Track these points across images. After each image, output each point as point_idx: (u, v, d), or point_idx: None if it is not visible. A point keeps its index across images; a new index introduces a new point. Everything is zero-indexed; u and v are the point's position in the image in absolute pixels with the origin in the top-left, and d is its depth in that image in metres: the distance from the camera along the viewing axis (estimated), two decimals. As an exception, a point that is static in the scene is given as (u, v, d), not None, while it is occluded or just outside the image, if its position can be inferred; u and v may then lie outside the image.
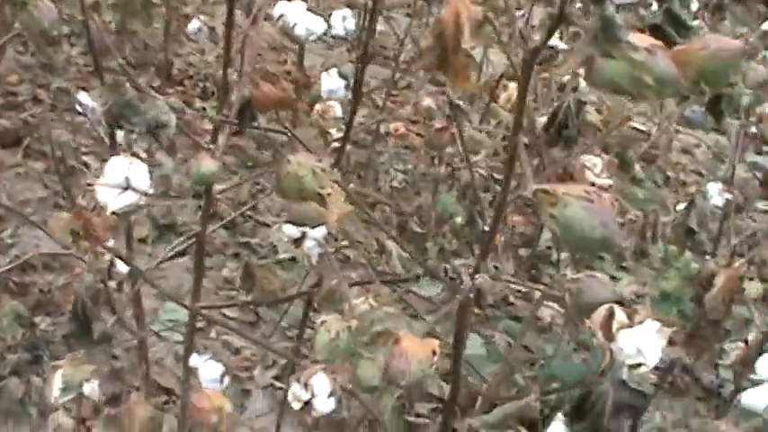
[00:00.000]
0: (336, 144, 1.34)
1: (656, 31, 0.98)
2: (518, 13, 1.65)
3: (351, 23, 1.89)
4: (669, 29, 0.99)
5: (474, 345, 1.65)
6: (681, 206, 1.39)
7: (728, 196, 1.42)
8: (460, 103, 1.00)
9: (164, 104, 1.13)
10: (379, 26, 2.32)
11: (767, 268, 1.42)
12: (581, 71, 0.90)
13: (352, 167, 2.04)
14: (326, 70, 1.78)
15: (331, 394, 0.80)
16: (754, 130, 1.62)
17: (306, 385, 0.80)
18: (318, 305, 1.13)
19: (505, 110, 1.20)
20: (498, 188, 0.98)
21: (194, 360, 1.19)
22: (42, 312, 1.72)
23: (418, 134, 1.80)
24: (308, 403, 0.81)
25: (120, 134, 1.19)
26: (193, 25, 2.12)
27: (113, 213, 0.83)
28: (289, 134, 0.91)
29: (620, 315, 0.68)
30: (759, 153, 2.24)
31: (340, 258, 1.53)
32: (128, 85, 0.91)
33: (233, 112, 0.82)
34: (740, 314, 1.48)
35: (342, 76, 1.70)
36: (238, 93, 0.79)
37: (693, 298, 1.21)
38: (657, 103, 1.78)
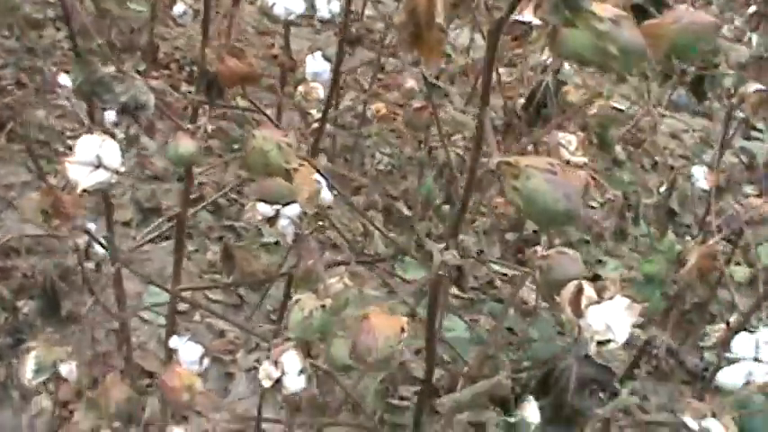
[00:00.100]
0: (317, 125, 1.33)
1: (638, 10, 0.98)
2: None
3: (336, 6, 1.88)
4: (651, 8, 0.98)
5: (459, 328, 1.65)
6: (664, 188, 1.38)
7: (713, 179, 1.42)
8: (438, 82, 0.99)
9: (143, 85, 1.12)
10: (368, 11, 2.31)
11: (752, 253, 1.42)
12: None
13: (338, 151, 2.03)
14: (312, 53, 1.77)
15: (301, 372, 0.80)
16: (741, 114, 1.62)
17: (276, 363, 0.80)
18: (295, 285, 1.12)
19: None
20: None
21: (174, 342, 1.18)
22: (25, 296, 1.71)
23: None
24: (278, 381, 0.80)
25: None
26: (178, 8, 2.10)
27: (84, 191, 0.82)
28: (258, 111, 0.90)
29: (589, 291, 0.68)
30: (747, 138, 2.24)
31: (321, 240, 1.52)
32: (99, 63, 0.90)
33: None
34: (726, 299, 1.48)
35: (326, 59, 1.69)
36: (208, 69, 0.78)
37: (675, 280, 1.21)
38: (644, 86, 1.78)
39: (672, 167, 2.53)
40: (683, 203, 1.31)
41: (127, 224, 1.86)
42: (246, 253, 1.28)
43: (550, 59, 1.20)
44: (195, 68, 2.50)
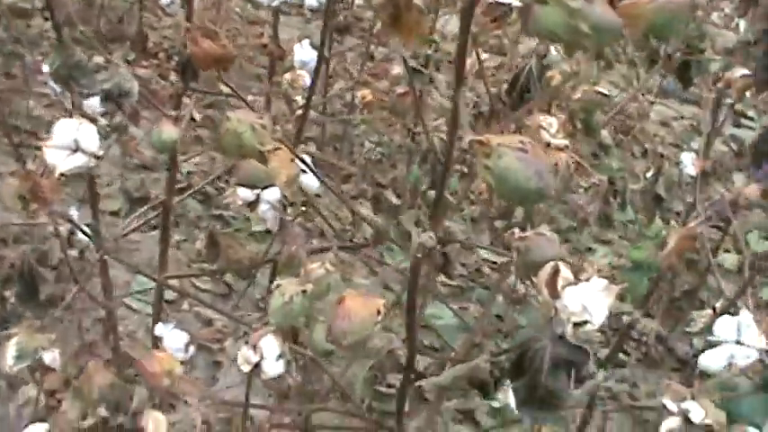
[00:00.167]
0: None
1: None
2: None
3: (324, -6, 1.87)
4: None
5: (447, 316, 1.65)
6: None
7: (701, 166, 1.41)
8: (421, 68, 0.98)
9: (126, 72, 1.12)
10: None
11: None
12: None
13: (328, 140, 2.03)
14: (300, 42, 1.77)
15: (280, 356, 0.79)
16: (730, 101, 1.62)
17: (255, 347, 0.80)
18: (278, 272, 1.12)
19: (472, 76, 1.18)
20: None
21: (159, 329, 1.18)
22: (13, 286, 1.71)
23: (392, 105, 1.78)
24: (257, 366, 0.80)
25: (86, 103, 1.18)
26: (166, -3, 2.10)
27: (62, 175, 0.82)
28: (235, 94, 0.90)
29: (566, 272, 0.68)
30: (738, 126, 2.23)
31: (309, 228, 1.52)
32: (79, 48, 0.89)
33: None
34: (716, 286, 1.47)
35: (315, 47, 1.69)
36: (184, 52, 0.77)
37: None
38: (633, 73, 1.77)
39: (662, 155, 2.53)
40: (670, 189, 1.31)
41: (115, 214, 1.85)
42: (232, 240, 1.28)
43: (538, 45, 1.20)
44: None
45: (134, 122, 1.19)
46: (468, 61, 1.22)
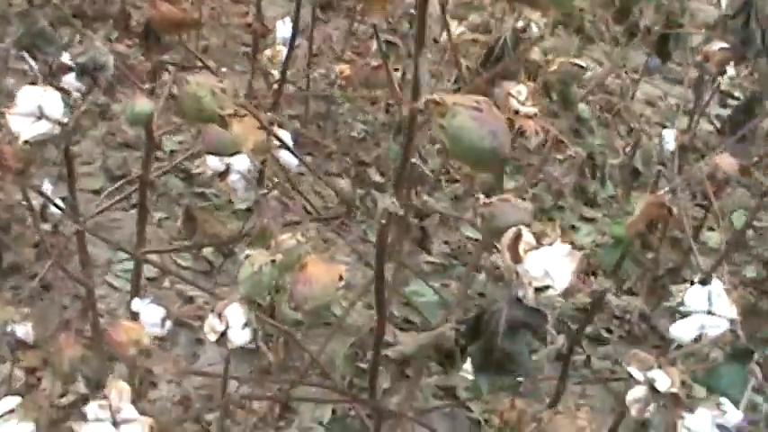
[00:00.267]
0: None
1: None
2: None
3: (307, -28, 1.86)
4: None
5: (429, 293, 1.65)
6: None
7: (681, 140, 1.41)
8: (391, 38, 0.97)
9: (102, 47, 1.10)
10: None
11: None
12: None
13: (311, 118, 2.02)
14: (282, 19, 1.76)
15: (246, 325, 0.79)
16: (719, 80, 1.61)
17: (220, 316, 0.79)
18: (251, 244, 1.11)
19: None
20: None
21: (136, 304, 1.17)
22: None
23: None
24: (223, 335, 0.80)
25: (64, 79, 1.17)
26: (149, -25, 2.08)
27: (26, 143, 0.81)
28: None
29: (528, 237, 0.67)
30: (724, 106, 2.23)
31: (287, 205, 1.51)
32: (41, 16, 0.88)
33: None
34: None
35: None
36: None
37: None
38: (615, 51, 1.76)
39: (648, 134, 2.52)
40: (648, 163, 1.30)
41: (97, 192, 1.84)
42: (208, 215, 1.27)
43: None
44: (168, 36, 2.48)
45: (110, 97, 1.19)
46: (444, 35, 1.21)
